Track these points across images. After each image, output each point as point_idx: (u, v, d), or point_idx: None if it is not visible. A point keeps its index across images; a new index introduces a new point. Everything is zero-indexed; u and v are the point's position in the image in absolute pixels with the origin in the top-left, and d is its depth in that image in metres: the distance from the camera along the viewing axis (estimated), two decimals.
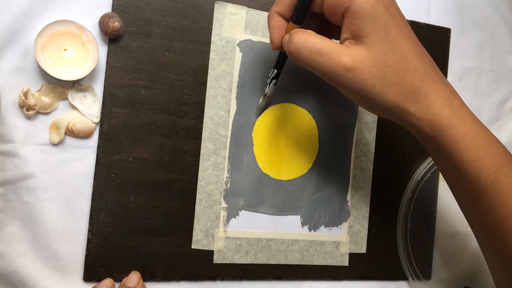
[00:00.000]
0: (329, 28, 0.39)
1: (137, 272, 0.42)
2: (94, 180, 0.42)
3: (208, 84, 0.45)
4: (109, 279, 0.41)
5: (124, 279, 0.42)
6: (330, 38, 0.37)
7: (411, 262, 0.52)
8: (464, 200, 0.38)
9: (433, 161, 0.52)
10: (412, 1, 0.54)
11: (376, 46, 0.33)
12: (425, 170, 0.52)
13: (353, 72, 0.33)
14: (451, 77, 0.56)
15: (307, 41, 0.34)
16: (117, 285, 0.42)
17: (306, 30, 0.36)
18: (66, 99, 0.42)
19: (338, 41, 0.36)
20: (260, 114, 0.47)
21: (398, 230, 0.52)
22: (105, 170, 0.42)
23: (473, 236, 0.57)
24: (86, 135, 0.42)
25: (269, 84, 0.44)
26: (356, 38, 0.34)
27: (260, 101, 0.46)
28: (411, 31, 0.36)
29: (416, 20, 0.53)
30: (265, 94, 0.45)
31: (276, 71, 0.43)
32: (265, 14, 0.47)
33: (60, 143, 0.41)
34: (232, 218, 0.46)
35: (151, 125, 0.43)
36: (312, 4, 0.36)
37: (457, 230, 0.55)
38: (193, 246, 0.45)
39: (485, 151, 0.35)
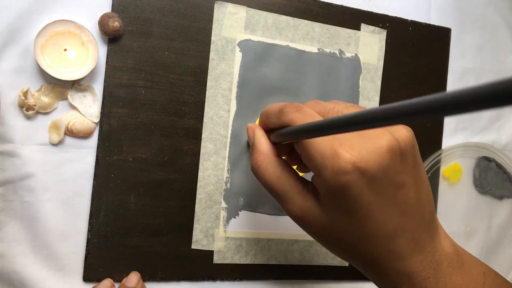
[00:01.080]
0: None
1: (137, 272, 0.42)
2: (94, 180, 0.42)
3: (208, 84, 0.45)
4: (109, 279, 0.41)
5: (124, 279, 0.41)
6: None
7: None
8: None
9: (426, 162, 0.52)
10: (412, 1, 0.54)
11: (336, 220, 0.28)
12: None
13: (301, 222, 0.30)
14: (451, 77, 0.56)
15: (266, 175, 0.31)
16: (117, 285, 0.42)
17: (272, 158, 0.31)
18: (66, 99, 0.41)
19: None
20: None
21: None
22: (105, 170, 0.42)
23: (473, 235, 0.57)
24: (86, 135, 0.42)
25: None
26: (318, 194, 0.29)
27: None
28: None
29: (416, 20, 0.53)
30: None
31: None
32: (265, 14, 0.47)
33: (60, 143, 0.41)
34: (232, 218, 0.46)
35: (151, 125, 0.43)
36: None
37: (457, 230, 0.55)
38: (193, 246, 0.45)
39: None
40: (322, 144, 0.27)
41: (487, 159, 0.56)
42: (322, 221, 0.29)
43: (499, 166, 0.56)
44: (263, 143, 0.32)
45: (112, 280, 0.41)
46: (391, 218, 0.28)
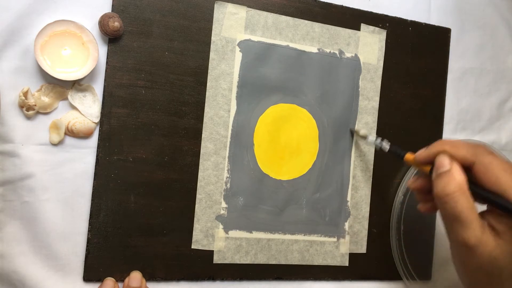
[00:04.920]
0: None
1: (138, 271, 0.42)
2: (94, 180, 0.42)
3: (208, 84, 0.45)
4: (111, 278, 0.41)
5: (126, 280, 0.42)
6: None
7: (405, 263, 0.52)
8: None
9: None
10: (412, 1, 0.54)
11: None
12: (415, 172, 0.52)
13: (471, 252, 0.33)
14: (451, 77, 0.56)
15: (459, 203, 0.33)
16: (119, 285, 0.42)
17: (466, 188, 0.34)
18: (66, 99, 0.42)
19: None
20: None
21: (392, 233, 0.52)
22: (105, 170, 0.42)
23: None
24: (86, 135, 0.42)
25: (378, 142, 0.47)
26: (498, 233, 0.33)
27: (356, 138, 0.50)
28: None
29: (416, 20, 0.53)
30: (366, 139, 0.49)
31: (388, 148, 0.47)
32: (265, 14, 0.47)
33: (60, 143, 0.41)
34: (232, 218, 0.46)
35: (151, 125, 0.43)
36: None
37: None
38: (193, 246, 0.45)
39: None
40: None
41: None
42: (496, 254, 0.32)
43: None
44: (460, 174, 0.34)
45: (113, 279, 0.41)
46: None
